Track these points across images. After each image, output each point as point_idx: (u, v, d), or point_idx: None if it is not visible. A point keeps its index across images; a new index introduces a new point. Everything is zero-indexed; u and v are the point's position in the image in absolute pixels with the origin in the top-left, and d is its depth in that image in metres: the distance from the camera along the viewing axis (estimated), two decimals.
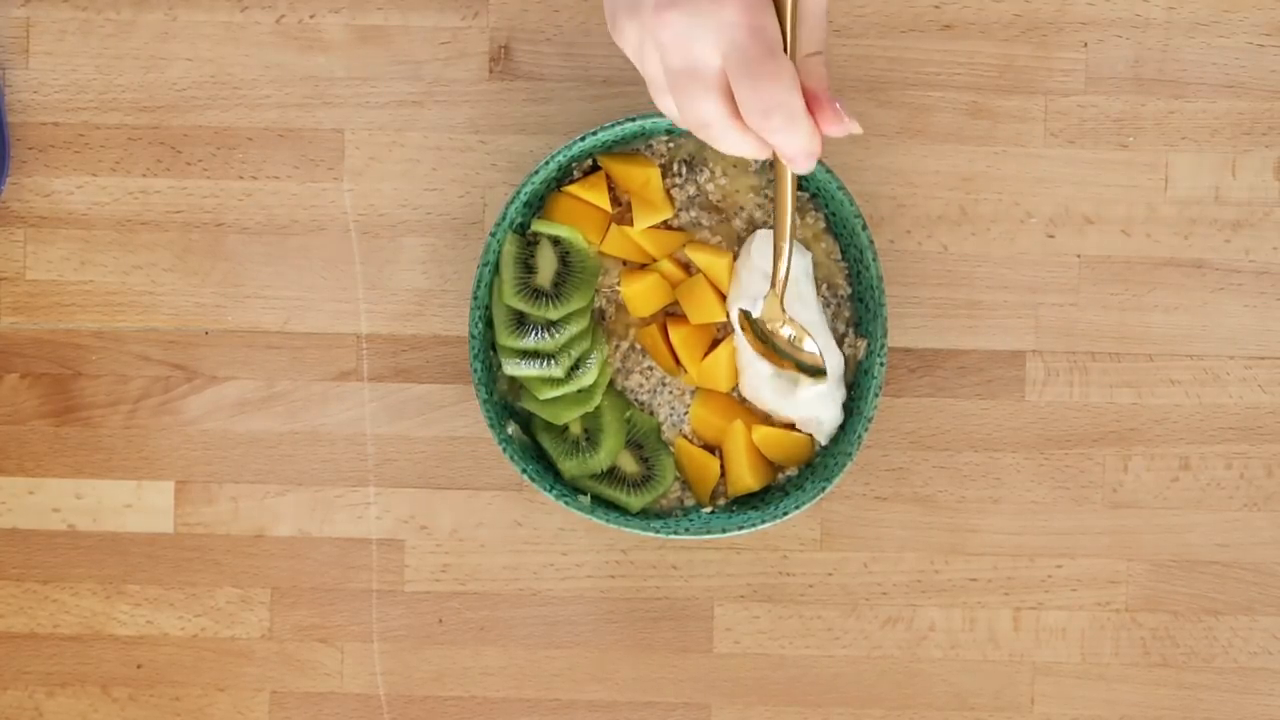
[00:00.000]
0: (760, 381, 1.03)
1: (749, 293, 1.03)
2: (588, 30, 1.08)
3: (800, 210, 1.05)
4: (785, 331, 0.99)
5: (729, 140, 0.84)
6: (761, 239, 1.04)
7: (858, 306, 1.05)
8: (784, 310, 0.97)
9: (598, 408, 1.05)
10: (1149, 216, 1.08)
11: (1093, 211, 1.08)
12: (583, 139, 1.03)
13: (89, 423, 1.09)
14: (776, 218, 0.90)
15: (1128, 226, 1.08)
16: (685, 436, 1.06)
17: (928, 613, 1.08)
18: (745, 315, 1.00)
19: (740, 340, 1.04)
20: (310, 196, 1.09)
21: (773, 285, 0.94)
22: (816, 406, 1.03)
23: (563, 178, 1.06)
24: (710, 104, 0.82)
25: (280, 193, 1.09)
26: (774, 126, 0.82)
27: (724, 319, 1.05)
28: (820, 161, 1.03)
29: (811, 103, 0.83)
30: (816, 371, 1.01)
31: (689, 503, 1.06)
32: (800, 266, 1.03)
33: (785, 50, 0.83)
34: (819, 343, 1.01)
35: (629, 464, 1.05)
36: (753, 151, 0.84)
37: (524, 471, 1.03)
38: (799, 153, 0.83)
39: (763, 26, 0.81)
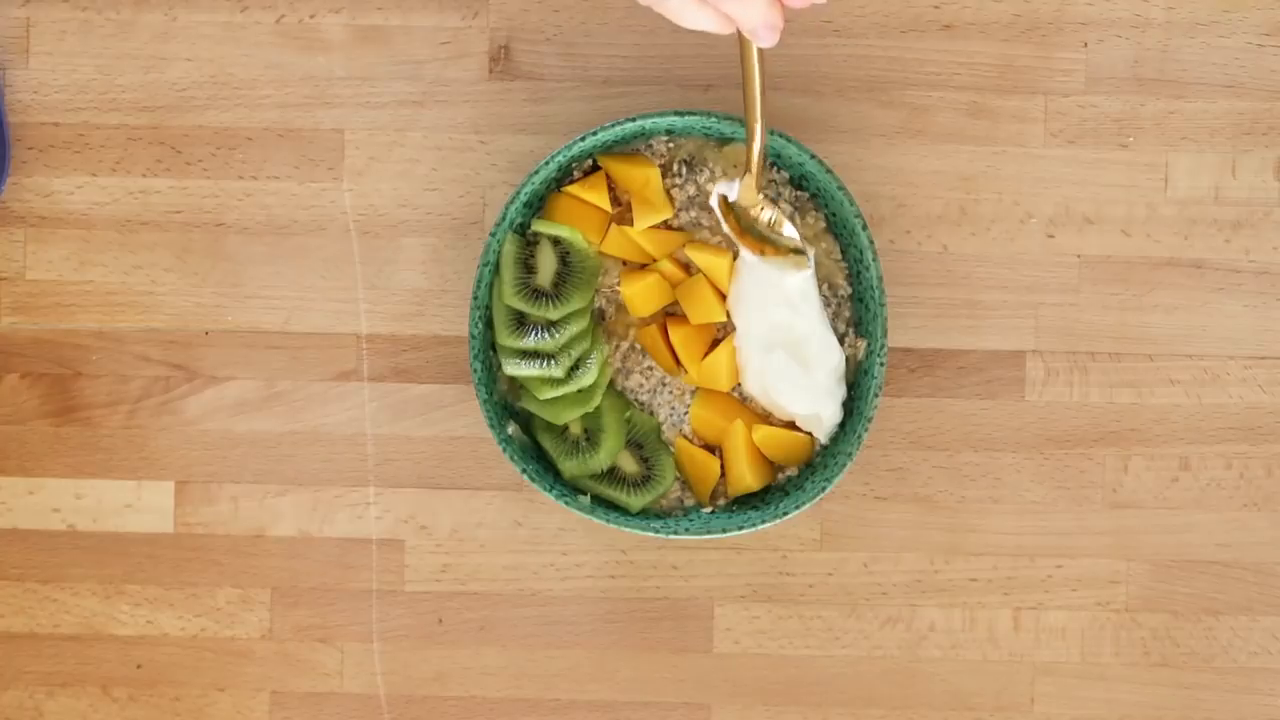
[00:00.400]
0: (766, 372, 1.03)
1: (751, 287, 1.03)
2: (588, 30, 1.08)
3: (800, 210, 1.05)
4: (765, 215, 0.98)
5: (688, 14, 0.83)
6: (723, 187, 1.03)
7: (857, 306, 1.05)
8: (760, 194, 0.96)
9: (598, 408, 1.05)
10: (1149, 216, 1.08)
11: (1093, 211, 1.08)
12: (583, 139, 1.03)
13: (89, 423, 1.09)
14: (746, 96, 0.90)
15: (1128, 226, 1.08)
16: (685, 436, 1.06)
17: (928, 613, 1.08)
18: (724, 200, 0.99)
19: (739, 340, 1.04)
20: (310, 196, 1.09)
21: (748, 168, 0.93)
22: (818, 400, 1.03)
23: (563, 178, 1.06)
24: None
25: (280, 193, 1.09)
26: None
27: (724, 319, 1.05)
28: (820, 161, 1.03)
29: None
30: (798, 254, 0.99)
31: (689, 503, 1.06)
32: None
33: None
34: (796, 235, 1.00)
35: (629, 464, 1.05)
36: (713, 25, 0.84)
37: (524, 471, 1.03)
38: (758, 24, 0.83)
39: None
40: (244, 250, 1.09)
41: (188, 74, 1.09)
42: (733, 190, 0.99)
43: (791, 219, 1.03)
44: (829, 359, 1.03)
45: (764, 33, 0.84)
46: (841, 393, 1.04)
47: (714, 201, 1.02)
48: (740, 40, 0.87)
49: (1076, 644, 1.08)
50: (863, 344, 1.05)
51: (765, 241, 1.00)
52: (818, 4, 0.83)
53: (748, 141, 0.92)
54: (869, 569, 1.08)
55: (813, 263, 1.02)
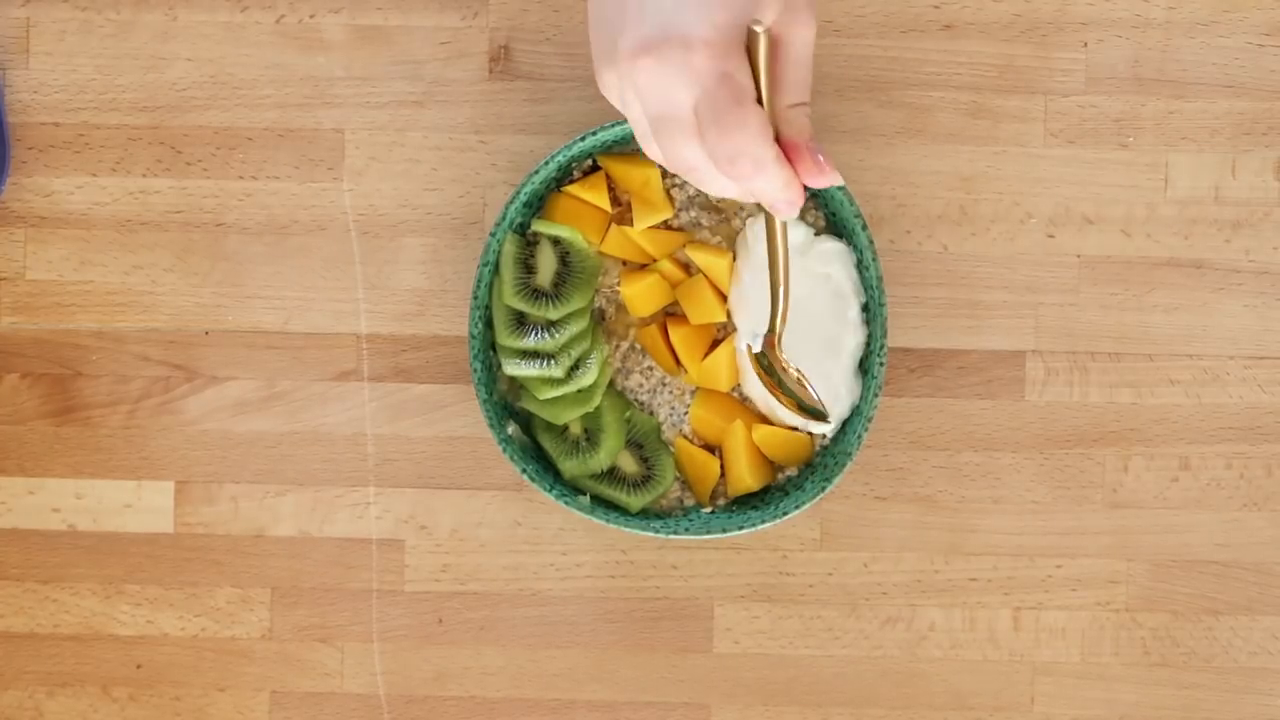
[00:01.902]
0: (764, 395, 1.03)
1: (751, 287, 1.03)
2: (588, 30, 1.08)
3: (800, 209, 1.05)
4: (794, 371, 0.99)
5: (713, 184, 0.85)
6: (760, 227, 1.04)
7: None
8: (781, 354, 0.96)
9: (598, 408, 1.05)
10: (1149, 216, 1.08)
11: (1093, 211, 1.08)
12: (583, 139, 1.03)
13: (89, 423, 1.09)
14: (769, 264, 0.91)
15: (1128, 226, 1.08)
16: (685, 436, 1.06)
17: (928, 613, 1.08)
18: (750, 349, 1.00)
19: (739, 341, 1.04)
20: (310, 196, 1.09)
21: (770, 330, 0.93)
22: (822, 394, 1.03)
23: (563, 178, 1.06)
24: (690, 149, 0.83)
25: (280, 193, 1.09)
26: (741, 174, 0.83)
27: (724, 319, 1.05)
28: None
29: (790, 152, 0.84)
30: (817, 415, 0.99)
31: (689, 503, 1.06)
32: (837, 253, 1.04)
33: (760, 99, 0.83)
34: (817, 388, 1.00)
35: (629, 464, 1.05)
36: (738, 195, 0.85)
37: (524, 471, 1.03)
38: (777, 200, 0.85)
39: (730, 74, 0.81)
40: (244, 250, 1.09)
41: (188, 74, 1.09)
42: (757, 341, 0.98)
43: (799, 248, 1.02)
44: (847, 345, 1.03)
45: (783, 208, 0.86)
46: (858, 385, 1.04)
47: (741, 349, 1.02)
48: (764, 210, 0.89)
49: (1076, 644, 1.08)
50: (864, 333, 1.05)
51: (788, 395, 1.00)
52: (836, 184, 0.85)
53: (771, 305, 0.92)
54: (869, 569, 1.08)
55: (834, 426, 1.02)
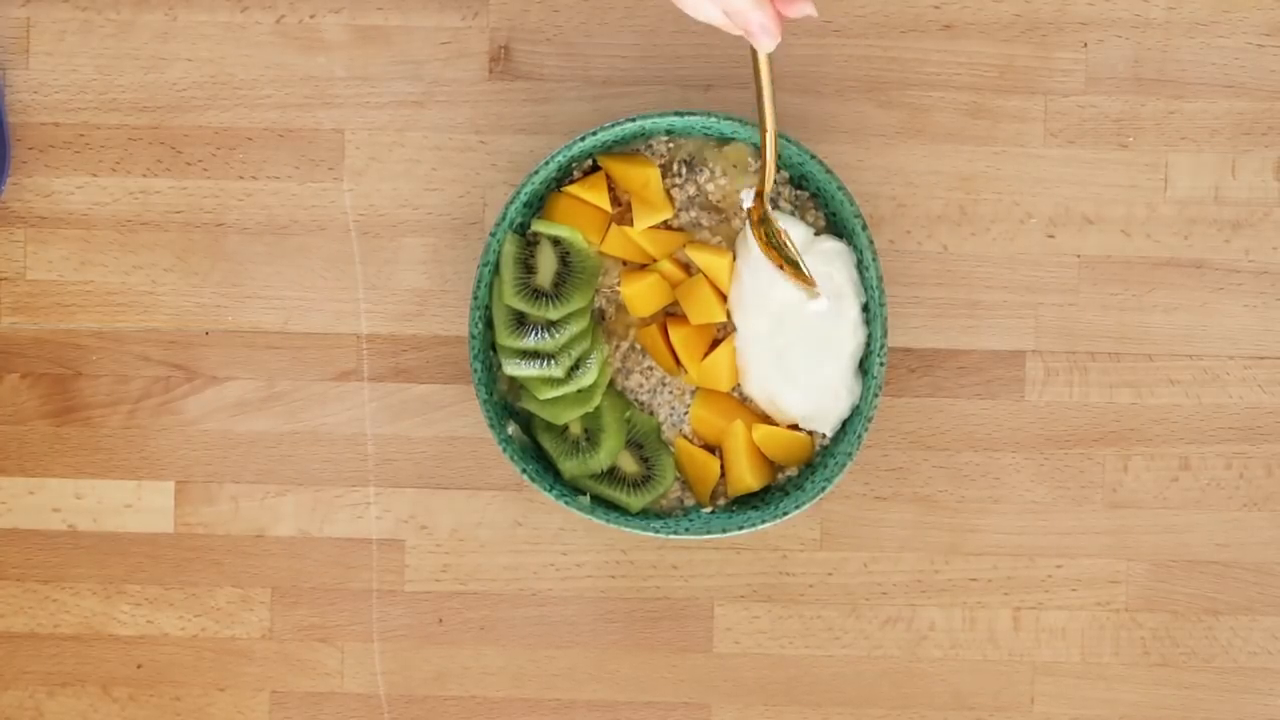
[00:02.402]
0: (766, 369, 1.03)
1: (751, 287, 1.03)
2: (588, 30, 1.08)
3: (800, 209, 1.05)
4: (796, 237, 0.99)
5: (701, 7, 0.87)
6: (746, 195, 1.03)
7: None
8: (770, 213, 0.97)
9: (598, 408, 1.05)
10: (1149, 216, 1.08)
11: (1093, 211, 1.08)
12: (583, 139, 1.03)
13: (89, 423, 1.09)
14: (758, 108, 0.92)
15: (1128, 226, 1.08)
16: (685, 436, 1.06)
17: (928, 613, 1.08)
18: (753, 213, 0.99)
19: (739, 341, 1.04)
20: (310, 196, 1.09)
21: (760, 180, 0.94)
22: (822, 394, 1.03)
23: (563, 178, 1.06)
24: None
25: (280, 193, 1.09)
26: None
27: (724, 319, 1.05)
28: (820, 161, 1.03)
29: None
30: (809, 281, 0.99)
31: (689, 503, 1.06)
32: (842, 256, 1.04)
33: None
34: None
35: (629, 464, 1.05)
36: (716, 18, 0.87)
37: (524, 471, 1.03)
38: (751, 21, 0.87)
39: None
40: (244, 250, 1.09)
41: (188, 74, 1.09)
42: (750, 198, 0.99)
43: (799, 248, 1.02)
44: (847, 345, 1.03)
45: (760, 35, 0.87)
46: (858, 385, 1.04)
47: (746, 203, 1.02)
48: (751, 53, 0.90)
49: (1076, 644, 1.08)
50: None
51: (789, 262, 0.99)
52: (809, 14, 0.86)
53: (761, 143, 0.93)
54: (869, 569, 1.08)
55: (825, 299, 1.02)
